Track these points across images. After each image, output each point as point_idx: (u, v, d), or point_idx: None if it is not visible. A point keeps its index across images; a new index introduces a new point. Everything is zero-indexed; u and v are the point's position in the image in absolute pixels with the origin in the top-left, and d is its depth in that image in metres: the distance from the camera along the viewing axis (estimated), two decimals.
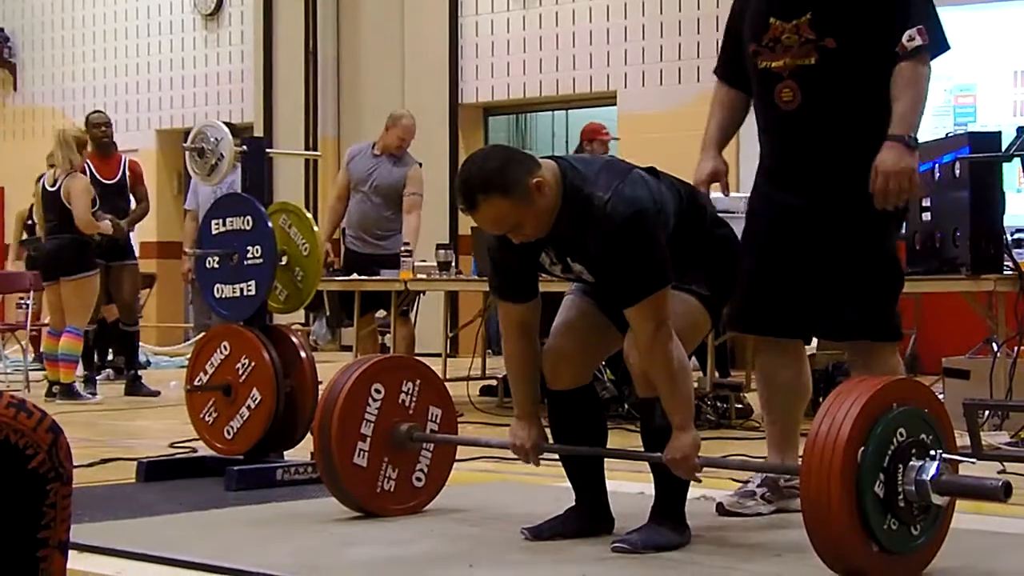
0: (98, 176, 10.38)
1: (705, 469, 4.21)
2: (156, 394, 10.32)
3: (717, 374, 8.48)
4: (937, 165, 6.95)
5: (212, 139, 6.11)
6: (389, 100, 14.88)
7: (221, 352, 5.94)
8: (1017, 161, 6.55)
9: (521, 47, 14.19)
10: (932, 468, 3.54)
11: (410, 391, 4.84)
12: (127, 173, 10.62)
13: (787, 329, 4.82)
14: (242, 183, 6.15)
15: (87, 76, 17.61)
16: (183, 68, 16.76)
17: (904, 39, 4.53)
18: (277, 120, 15.86)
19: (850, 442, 3.45)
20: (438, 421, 4.92)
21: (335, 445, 4.68)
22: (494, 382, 9.57)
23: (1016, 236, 6.96)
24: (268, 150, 6.52)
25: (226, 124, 6.45)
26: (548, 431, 4.50)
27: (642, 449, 4.31)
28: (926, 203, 7.04)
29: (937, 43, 4.62)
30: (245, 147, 6.10)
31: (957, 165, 6.75)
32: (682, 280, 4.23)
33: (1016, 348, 6.85)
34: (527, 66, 14.17)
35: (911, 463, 3.54)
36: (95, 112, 11.03)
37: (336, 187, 10.10)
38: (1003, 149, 6.58)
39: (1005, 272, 6.77)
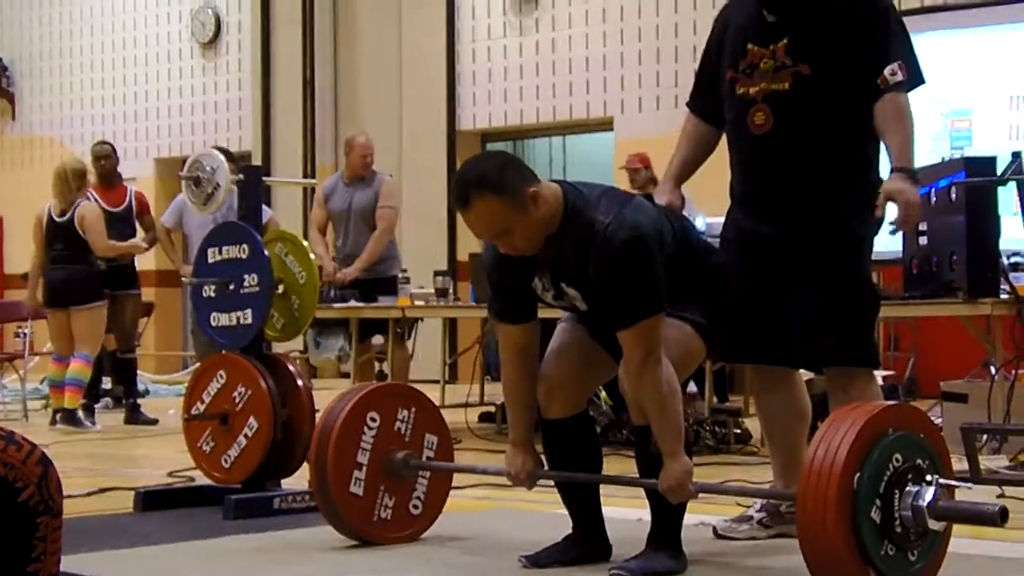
0: (104, 204, 10.42)
1: (702, 497, 4.21)
2: (155, 422, 10.31)
3: (715, 399, 8.48)
4: (933, 189, 6.96)
5: (208, 168, 6.11)
6: (387, 127, 14.91)
7: (218, 381, 5.93)
8: (1013, 185, 6.56)
9: (519, 74, 14.22)
10: (928, 493, 3.54)
11: (406, 419, 4.84)
12: (133, 203, 10.67)
13: (771, 356, 4.84)
14: (238, 211, 6.15)
15: (85, 105, 17.63)
16: (181, 96, 16.78)
17: (886, 73, 4.58)
18: (275, 148, 15.88)
19: (846, 469, 3.45)
20: (434, 448, 4.91)
21: (331, 475, 4.67)
22: (492, 408, 9.56)
23: (1012, 260, 6.96)
24: (265, 178, 6.53)
25: (223, 151, 6.45)
26: (543, 458, 4.50)
27: (638, 475, 4.31)
28: (923, 227, 7.04)
29: (914, 78, 4.68)
30: (241, 176, 6.10)
31: (953, 189, 6.76)
32: (677, 308, 4.24)
33: (1014, 371, 6.85)
34: (524, 93, 14.20)
35: (907, 488, 3.54)
36: (98, 144, 11.08)
37: (314, 222, 10.10)
38: (999, 173, 6.58)
39: (1002, 296, 6.77)
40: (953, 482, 3.66)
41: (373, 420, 4.75)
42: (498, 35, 14.43)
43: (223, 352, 6.03)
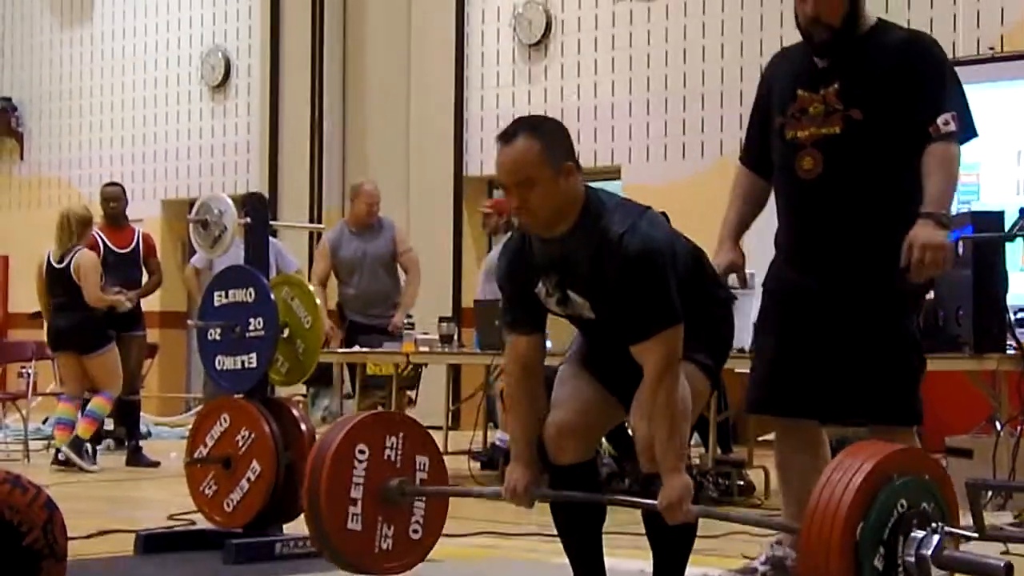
0: (111, 245, 10.45)
1: (706, 548, 4.19)
2: (156, 464, 10.28)
3: (719, 450, 8.44)
4: None
5: (216, 211, 6.12)
6: (395, 172, 14.93)
7: (221, 424, 5.92)
8: (1020, 241, 6.55)
9: None
10: (933, 542, 3.50)
11: (394, 445, 4.79)
12: (140, 244, 10.70)
13: (806, 411, 4.75)
14: (245, 255, 6.15)
15: (94, 146, 17.66)
16: (189, 139, 16.81)
17: (939, 122, 4.52)
18: (282, 192, 15.89)
19: (849, 516, 3.42)
20: (426, 469, 4.87)
21: (326, 515, 4.64)
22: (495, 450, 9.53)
23: (1019, 315, 6.95)
24: (272, 222, 6.53)
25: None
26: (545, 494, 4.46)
27: (644, 524, 4.29)
28: None
29: (967, 130, 4.62)
30: (248, 219, 6.11)
31: (960, 244, 6.75)
32: (684, 347, 4.22)
33: (1019, 428, 6.83)
34: None
35: (912, 534, 3.50)
36: (108, 185, 11.13)
37: (317, 274, 10.24)
38: (1006, 229, 6.58)
39: (1008, 351, 6.76)
40: (959, 531, 3.63)
41: (362, 452, 4.71)
42: (507, 82, 14.46)
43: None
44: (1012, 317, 6.82)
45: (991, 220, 6.73)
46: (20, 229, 17.02)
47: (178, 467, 7.87)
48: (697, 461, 7.98)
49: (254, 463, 5.80)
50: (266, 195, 14.97)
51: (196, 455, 5.98)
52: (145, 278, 10.79)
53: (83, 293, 9.89)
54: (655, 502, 4.12)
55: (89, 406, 9.95)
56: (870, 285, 4.58)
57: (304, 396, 11.04)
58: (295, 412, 5.99)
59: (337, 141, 15.86)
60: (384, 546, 4.75)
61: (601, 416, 4.47)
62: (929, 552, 3.49)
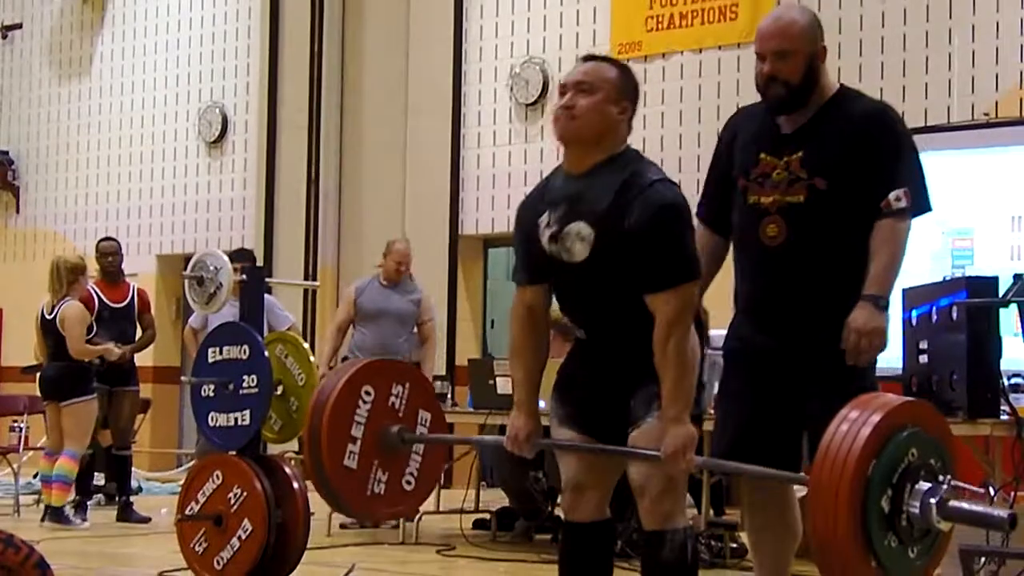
0: (106, 300, 10.45)
1: None
2: (147, 520, 10.24)
3: (712, 512, 8.42)
4: (934, 308, 6.96)
5: (211, 267, 6.13)
6: (390, 230, 14.92)
7: (213, 481, 5.91)
8: (1014, 307, 6.56)
9: (522, 180, 14.27)
10: (940, 492, 3.53)
11: (400, 394, 4.82)
12: (135, 300, 10.69)
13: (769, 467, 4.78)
14: (240, 312, 6.16)
15: (89, 200, 17.67)
16: (185, 194, 16.83)
17: (891, 197, 4.59)
18: (277, 248, 15.90)
19: (864, 453, 3.46)
20: (427, 425, 4.90)
21: (326, 448, 4.64)
22: (487, 515, 9.50)
23: (1013, 381, 6.95)
24: (267, 279, 6.54)
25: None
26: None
27: None
28: (923, 345, 7.04)
29: (920, 205, 4.68)
30: (244, 276, 6.11)
31: (955, 309, 6.76)
32: None
33: (1013, 493, 6.81)
34: None
35: (919, 485, 3.53)
36: (105, 240, 11.13)
37: (337, 320, 10.38)
38: (1001, 294, 6.59)
39: (1002, 417, 6.75)
40: (964, 485, 3.65)
41: (368, 394, 4.74)
42: (503, 142, 14.50)
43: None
44: (1006, 382, 6.82)
45: (986, 285, 6.74)
46: (14, 282, 17.02)
47: (169, 523, 7.84)
48: (690, 522, 7.95)
49: (245, 521, 5.78)
50: (261, 251, 15.11)
51: (187, 512, 5.97)
52: (139, 333, 10.78)
53: (68, 345, 9.87)
54: (657, 451, 4.13)
55: (55, 470, 9.84)
56: (828, 346, 4.61)
57: (297, 453, 11.00)
58: (288, 470, 5.97)
59: (333, 198, 15.89)
60: (376, 490, 4.76)
61: (608, 471, 4.47)
62: (934, 501, 3.51)
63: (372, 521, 8.91)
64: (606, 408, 4.33)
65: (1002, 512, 3.53)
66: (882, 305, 4.55)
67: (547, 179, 4.49)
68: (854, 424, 3.53)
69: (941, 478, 3.58)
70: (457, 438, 5.25)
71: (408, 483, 4.86)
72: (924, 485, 3.55)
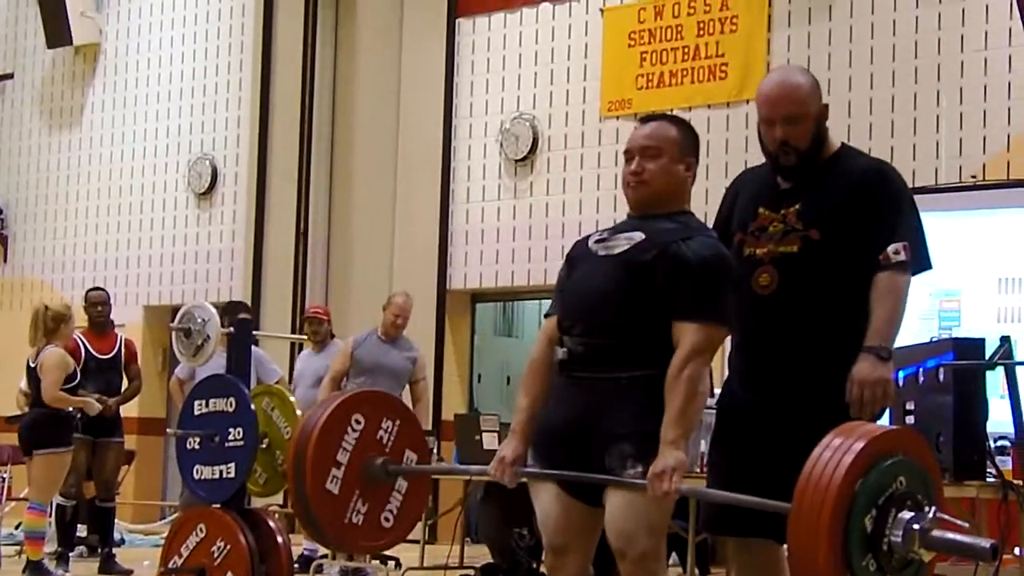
0: (93, 350, 10.40)
1: None
2: (129, 573, 10.19)
3: (697, 571, 8.40)
4: (921, 369, 6.97)
5: (199, 319, 6.12)
6: (378, 283, 14.95)
7: (197, 534, 5.89)
8: (1001, 369, 6.57)
9: (511, 236, 14.31)
10: (922, 520, 3.51)
11: (389, 429, 4.84)
12: (122, 350, 10.65)
13: (759, 530, 4.73)
14: (227, 364, 6.15)
15: (78, 250, 17.66)
16: (174, 245, 16.82)
17: (890, 251, 4.59)
18: (265, 300, 15.89)
19: (852, 469, 3.44)
20: (412, 464, 4.89)
21: (309, 468, 4.65)
22: (472, 572, 9.47)
23: (999, 443, 6.95)
24: (255, 332, 6.54)
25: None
26: None
27: None
28: (910, 406, 7.04)
29: (920, 262, 4.68)
30: (232, 329, 6.11)
31: (941, 371, 6.77)
32: (650, 461, 4.25)
33: (999, 556, 6.80)
34: (516, 254, 14.26)
35: (903, 514, 3.51)
36: (93, 290, 11.09)
37: (332, 371, 10.37)
38: (987, 356, 6.60)
39: (988, 479, 6.75)
40: (949, 518, 3.62)
41: (357, 423, 4.75)
42: (492, 197, 14.53)
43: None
44: (992, 445, 6.82)
45: (972, 347, 6.76)
46: (2, 331, 16.99)
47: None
48: None
49: (229, 575, 5.75)
50: (249, 303, 15.10)
51: (170, 565, 5.94)
52: (125, 384, 10.74)
53: (42, 391, 9.64)
54: (642, 480, 4.17)
55: (23, 526, 9.69)
56: (818, 404, 4.58)
57: (281, 506, 10.96)
58: (272, 524, 5.95)
59: (322, 252, 15.90)
60: (355, 520, 4.77)
61: (590, 530, 4.47)
62: (918, 528, 3.49)
63: (346, 552, 8.87)
64: (583, 465, 4.33)
65: (984, 542, 3.52)
66: (884, 356, 4.52)
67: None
68: (839, 448, 3.52)
69: (926, 508, 3.56)
70: (440, 468, 5.27)
71: (387, 519, 4.87)
72: (908, 515, 3.54)
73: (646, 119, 4.62)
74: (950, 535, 3.57)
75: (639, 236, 4.43)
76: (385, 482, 4.81)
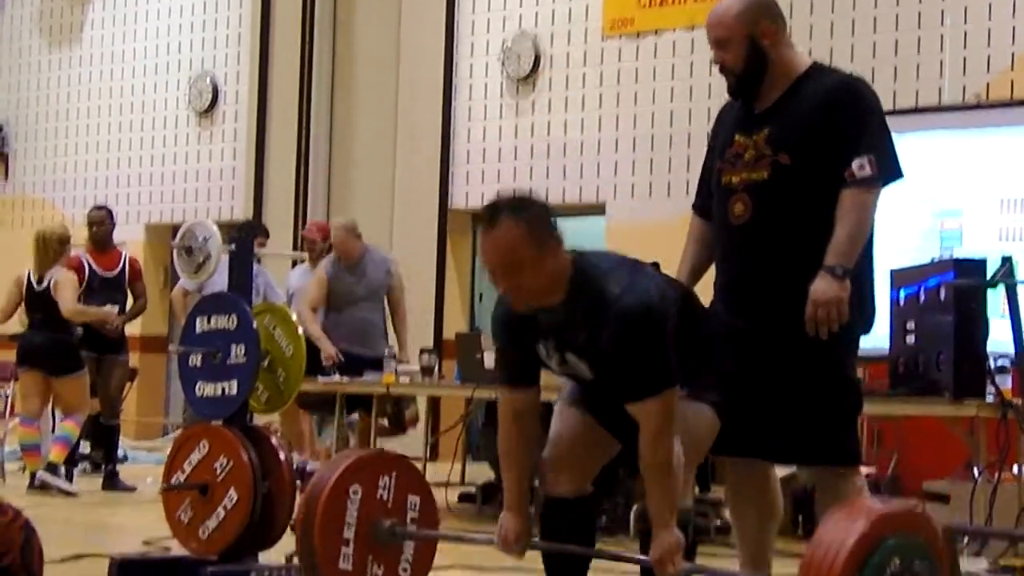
0: (97, 269, 10.41)
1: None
2: (133, 489, 10.25)
3: (698, 489, 8.43)
4: (923, 289, 6.97)
5: (200, 238, 6.12)
6: (379, 203, 14.94)
7: (199, 451, 5.90)
8: (1002, 288, 6.57)
9: (512, 155, 14.27)
10: None
11: (387, 485, 4.81)
12: (127, 268, 10.66)
13: (751, 451, 4.78)
14: (229, 281, 6.15)
15: (79, 168, 17.63)
16: (175, 163, 16.79)
17: (854, 166, 4.56)
18: (267, 218, 15.87)
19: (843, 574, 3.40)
20: (417, 509, 4.89)
21: (320, 559, 4.65)
22: (473, 489, 9.52)
23: (999, 362, 6.96)
24: (257, 250, 6.54)
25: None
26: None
27: (623, 567, 4.30)
28: (911, 326, 7.05)
29: (888, 172, 4.64)
30: (233, 246, 6.10)
31: (943, 290, 6.77)
32: (694, 387, 4.27)
33: (997, 474, 6.83)
34: (518, 174, 14.23)
35: None
36: (94, 209, 11.07)
37: (309, 301, 10.30)
38: (989, 276, 6.60)
39: (988, 398, 6.77)
40: None
41: (355, 493, 4.73)
42: (494, 116, 14.48)
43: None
44: (992, 364, 6.84)
45: (973, 267, 6.75)
46: (2, 248, 16.99)
47: (154, 492, 7.84)
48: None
49: (231, 491, 5.78)
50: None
51: (173, 481, 5.96)
52: (130, 302, 10.75)
53: (60, 308, 9.85)
54: (647, 558, 4.15)
55: (58, 431, 9.91)
56: (798, 328, 4.59)
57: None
58: (274, 441, 5.97)
59: (323, 170, 15.87)
60: None
61: (594, 450, 4.50)
62: None
63: None
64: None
65: None
66: (840, 274, 4.51)
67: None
68: (831, 546, 3.46)
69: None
70: (447, 534, 5.24)
71: (404, 570, 4.85)
72: None
73: (486, 220, 4.13)
74: None
75: (582, 362, 4.25)
76: (396, 540, 4.80)
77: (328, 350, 9.86)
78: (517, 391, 4.39)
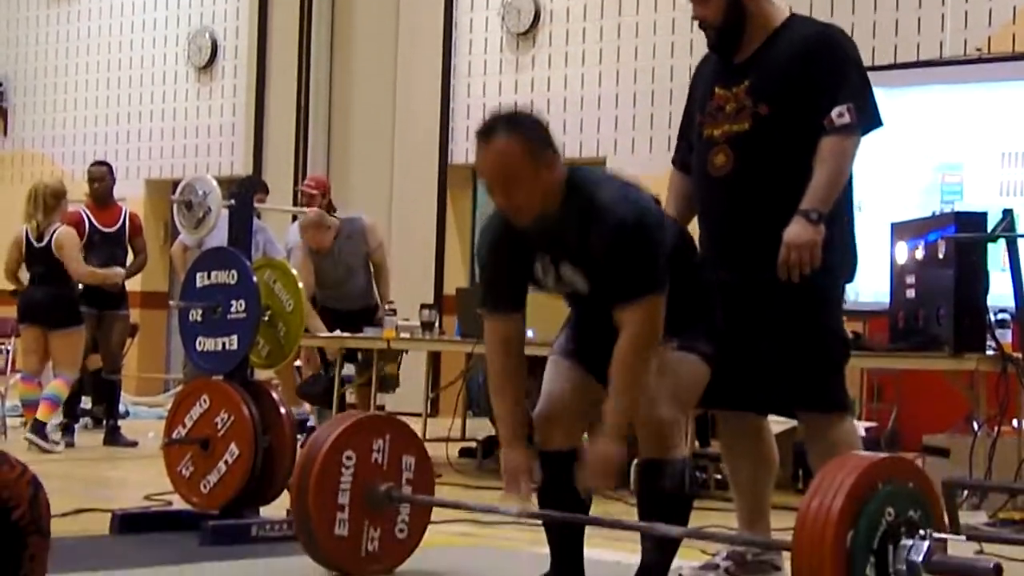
0: (97, 224, 10.39)
1: (688, 541, 4.22)
2: (134, 444, 10.26)
3: (697, 444, 8.46)
4: (923, 243, 6.97)
5: (200, 192, 6.10)
6: (379, 157, 14.93)
7: (200, 406, 5.91)
8: (1002, 242, 6.57)
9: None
10: (923, 548, 3.50)
11: (381, 448, 4.82)
12: (127, 224, 10.64)
13: (742, 403, 4.79)
14: (228, 237, 6.14)
15: (78, 124, 17.61)
16: (175, 119, 16.77)
17: (833, 114, 4.56)
18: (266, 174, 15.85)
19: (839, 526, 3.41)
20: (412, 469, 4.89)
21: (315, 524, 4.67)
22: (474, 444, 9.54)
23: (999, 316, 6.97)
24: (256, 205, 6.53)
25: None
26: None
27: (638, 510, 4.30)
28: (911, 280, 7.05)
29: (868, 120, 4.65)
30: (233, 201, 6.10)
31: (943, 244, 6.77)
32: (684, 338, 4.26)
33: (996, 428, 6.85)
34: None
35: (901, 542, 3.50)
36: (94, 164, 11.03)
37: (302, 271, 10.22)
38: (989, 229, 6.60)
39: (988, 352, 6.78)
40: (946, 535, 3.64)
41: (349, 459, 4.73)
42: (494, 71, 14.45)
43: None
44: (992, 318, 6.84)
45: (974, 220, 6.75)
46: (2, 204, 16.98)
47: (156, 447, 7.86)
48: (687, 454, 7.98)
49: (232, 446, 5.79)
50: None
51: (174, 436, 5.97)
52: (130, 258, 10.74)
53: (68, 270, 9.84)
54: (648, 524, 4.16)
55: (47, 390, 9.85)
56: (781, 282, 4.59)
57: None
58: (275, 396, 5.98)
59: (322, 125, 15.84)
60: (371, 548, 4.78)
61: (586, 404, 4.48)
62: (919, 558, 3.49)
63: None
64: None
65: (987, 563, 3.52)
66: (815, 219, 4.50)
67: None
68: (824, 498, 3.46)
69: (923, 532, 3.54)
70: (446, 501, 5.22)
71: (401, 531, 4.85)
72: (907, 542, 3.51)
73: (482, 135, 4.14)
74: (952, 560, 3.56)
75: (577, 272, 4.23)
76: (392, 504, 4.80)
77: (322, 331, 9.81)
78: (503, 316, 4.35)
